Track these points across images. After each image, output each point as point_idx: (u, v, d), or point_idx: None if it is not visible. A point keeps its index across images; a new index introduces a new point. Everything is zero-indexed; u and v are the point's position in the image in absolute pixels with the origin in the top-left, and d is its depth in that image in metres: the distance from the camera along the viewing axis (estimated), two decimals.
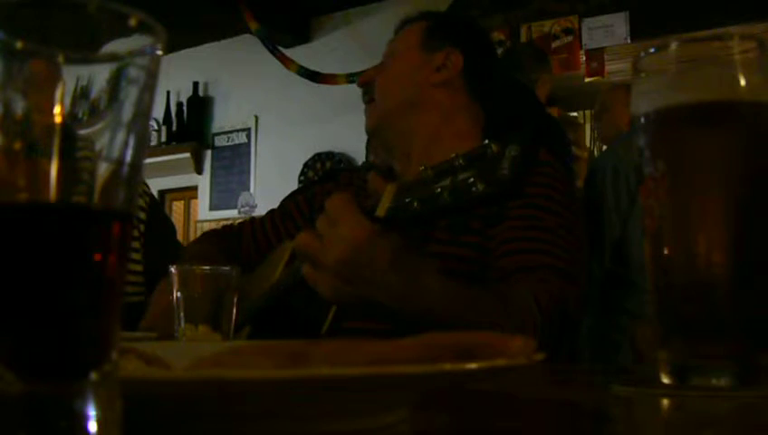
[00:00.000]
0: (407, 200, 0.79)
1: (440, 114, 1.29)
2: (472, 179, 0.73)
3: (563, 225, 1.13)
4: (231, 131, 4.73)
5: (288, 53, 4.21)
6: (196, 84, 4.81)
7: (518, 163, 0.72)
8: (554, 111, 4.61)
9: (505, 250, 1.11)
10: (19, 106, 0.27)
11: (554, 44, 3.69)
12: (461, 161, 0.75)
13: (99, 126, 0.28)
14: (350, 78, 3.85)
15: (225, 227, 1.51)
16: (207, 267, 0.90)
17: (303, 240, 0.87)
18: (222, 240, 1.43)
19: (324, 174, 2.63)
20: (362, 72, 1.47)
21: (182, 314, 0.86)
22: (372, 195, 0.87)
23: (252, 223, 1.46)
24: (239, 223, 1.51)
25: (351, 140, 4.01)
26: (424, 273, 0.89)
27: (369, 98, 1.36)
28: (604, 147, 3.23)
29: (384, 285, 0.85)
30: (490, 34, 1.86)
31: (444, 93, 1.31)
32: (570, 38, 3.67)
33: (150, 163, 4.55)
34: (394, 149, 1.33)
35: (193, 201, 5.00)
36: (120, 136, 0.28)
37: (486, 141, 0.74)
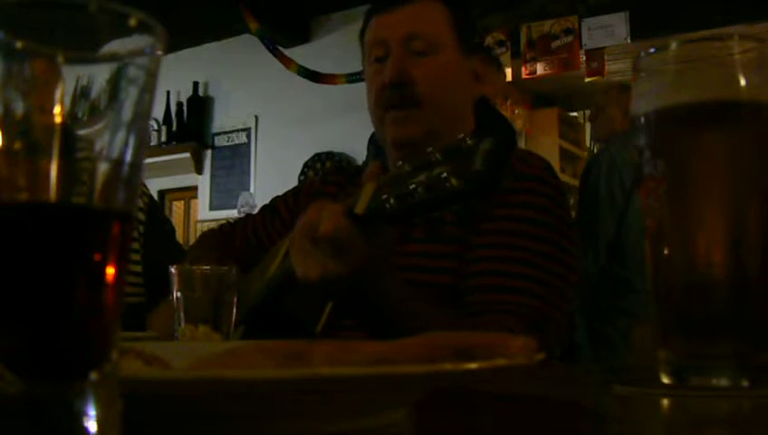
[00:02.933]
0: (383, 197, 0.79)
1: (462, 128, 1.19)
2: (445, 175, 0.72)
3: (547, 253, 1.06)
4: (231, 131, 4.73)
5: (288, 53, 4.21)
6: (196, 84, 4.81)
7: (491, 157, 0.71)
8: (554, 111, 4.62)
9: (477, 284, 1.05)
10: (19, 106, 0.27)
11: (554, 44, 3.69)
12: (437, 156, 0.74)
13: (99, 126, 0.28)
14: (350, 78, 3.85)
15: (222, 226, 1.49)
16: (207, 267, 0.90)
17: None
18: (220, 242, 1.42)
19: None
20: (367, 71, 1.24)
21: (182, 314, 0.86)
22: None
23: (245, 222, 1.44)
24: (235, 221, 1.50)
25: (351, 140, 4.01)
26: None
27: (407, 100, 1.14)
28: (603, 146, 3.23)
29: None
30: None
31: (471, 106, 1.24)
32: (570, 38, 3.67)
33: (150, 163, 4.55)
34: None
35: (193, 201, 5.00)
36: (120, 136, 0.28)
37: (461, 135, 0.74)
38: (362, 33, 1.25)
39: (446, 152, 0.74)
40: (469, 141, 0.72)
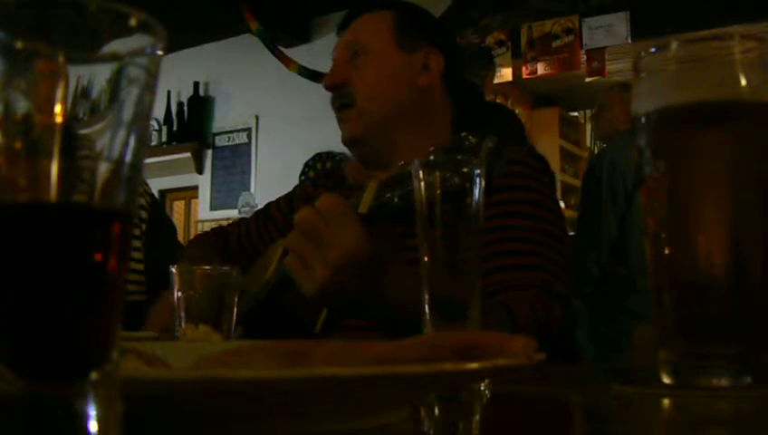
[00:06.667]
0: (387, 196, 0.80)
1: (424, 120, 1.23)
2: (449, 173, 0.73)
3: (543, 229, 1.09)
4: (231, 131, 4.73)
5: (288, 52, 4.21)
6: (196, 84, 4.81)
7: (494, 155, 0.72)
8: (554, 111, 4.63)
9: (489, 268, 1.03)
10: (20, 106, 0.27)
11: (554, 44, 3.69)
12: (439, 156, 0.76)
13: (99, 126, 0.28)
14: None
15: (215, 230, 1.49)
16: (207, 267, 0.90)
17: (296, 238, 0.87)
18: (214, 242, 1.42)
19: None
20: None
21: (182, 314, 0.86)
22: (353, 185, 0.88)
23: (238, 227, 1.44)
24: (228, 225, 1.50)
25: None
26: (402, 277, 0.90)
27: (343, 102, 1.26)
28: (604, 145, 3.23)
29: (372, 286, 0.87)
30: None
31: (426, 97, 1.25)
32: (570, 38, 3.67)
33: (151, 163, 4.55)
34: (372, 161, 1.24)
35: (194, 201, 5.00)
36: (121, 136, 0.28)
37: (464, 134, 0.75)
38: None
39: (447, 152, 0.75)
40: (472, 140, 0.74)
